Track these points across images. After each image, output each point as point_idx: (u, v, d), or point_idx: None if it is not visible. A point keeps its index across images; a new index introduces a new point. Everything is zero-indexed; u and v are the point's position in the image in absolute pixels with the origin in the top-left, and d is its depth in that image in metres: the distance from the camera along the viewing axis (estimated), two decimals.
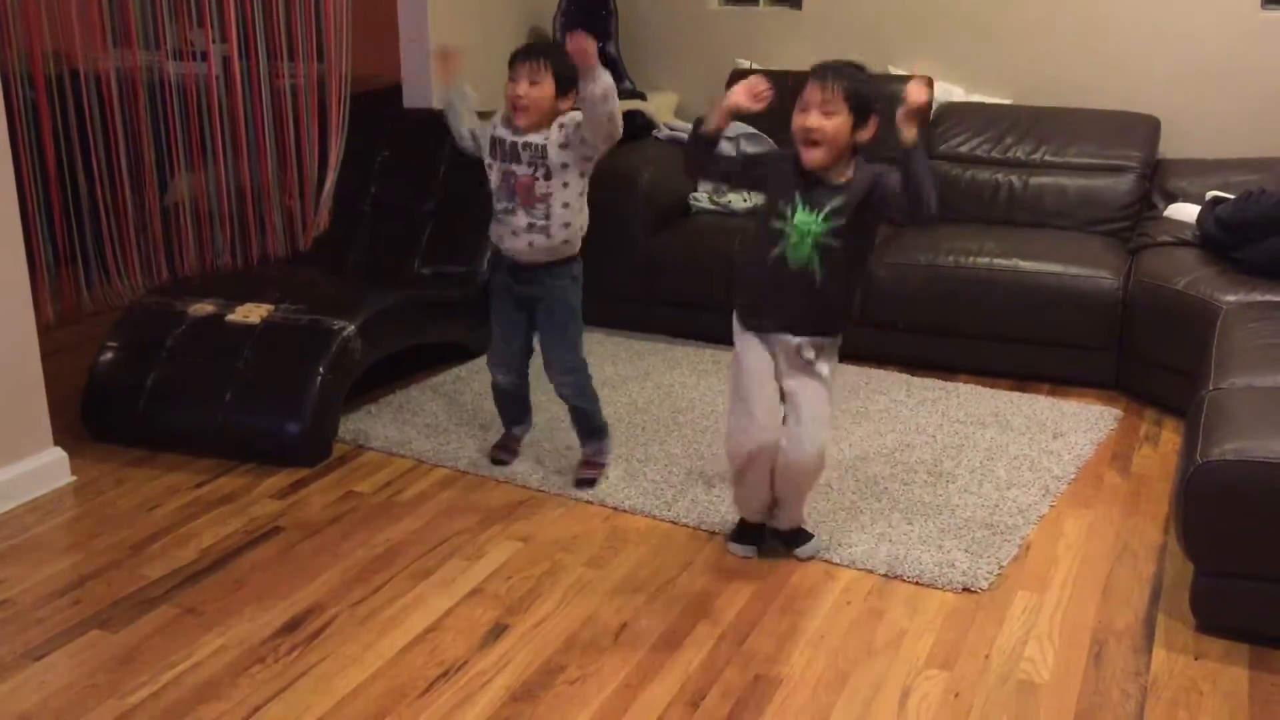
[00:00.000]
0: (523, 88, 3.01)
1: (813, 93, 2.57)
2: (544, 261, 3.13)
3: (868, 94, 2.59)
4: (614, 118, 2.94)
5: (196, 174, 4.85)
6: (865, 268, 2.80)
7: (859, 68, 2.62)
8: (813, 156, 2.59)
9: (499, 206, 3.13)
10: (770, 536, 2.95)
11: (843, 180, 2.62)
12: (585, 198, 3.13)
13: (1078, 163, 4.43)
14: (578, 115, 3.01)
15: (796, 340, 2.70)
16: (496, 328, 3.30)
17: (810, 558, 2.90)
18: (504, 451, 3.46)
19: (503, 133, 3.10)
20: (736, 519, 2.98)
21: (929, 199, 2.55)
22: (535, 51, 3.06)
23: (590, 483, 3.29)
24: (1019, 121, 4.59)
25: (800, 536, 2.93)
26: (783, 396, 2.76)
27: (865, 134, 2.61)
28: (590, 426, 3.34)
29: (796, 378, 2.73)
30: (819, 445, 2.75)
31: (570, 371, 3.24)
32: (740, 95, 2.61)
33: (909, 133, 2.49)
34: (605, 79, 2.87)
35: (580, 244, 3.17)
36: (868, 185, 2.62)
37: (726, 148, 2.88)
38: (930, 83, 2.47)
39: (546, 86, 3.01)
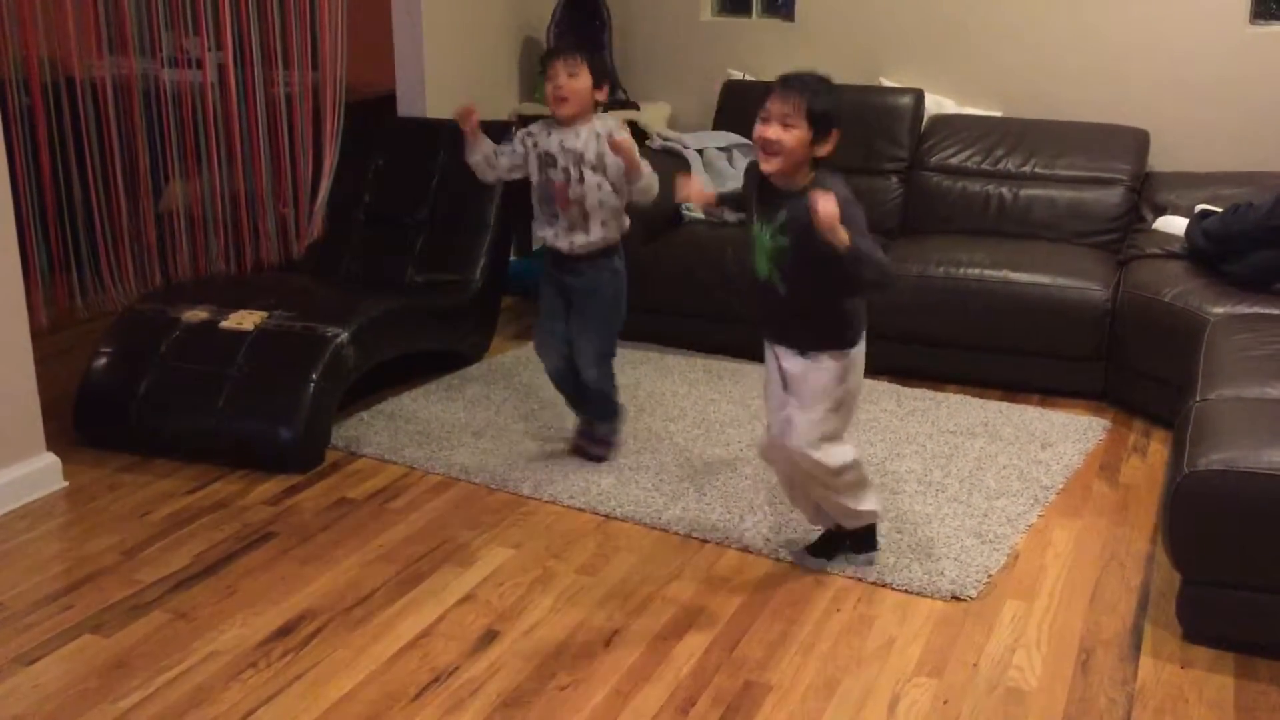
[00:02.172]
0: (562, 79, 3.19)
1: (775, 104, 2.56)
2: (584, 254, 3.29)
3: (830, 109, 2.56)
4: (650, 195, 3.26)
5: (191, 181, 4.86)
6: (840, 287, 2.66)
7: (825, 80, 2.60)
8: (769, 165, 2.59)
9: (540, 211, 3.33)
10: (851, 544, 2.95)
11: (796, 189, 2.58)
12: (615, 204, 3.30)
13: (1067, 175, 4.46)
14: (612, 125, 3.23)
15: (795, 354, 2.71)
16: (542, 313, 3.45)
17: (865, 565, 2.90)
18: (598, 445, 3.50)
19: (545, 144, 3.27)
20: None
21: (872, 283, 2.56)
22: (568, 47, 3.26)
23: (600, 458, 3.43)
24: (1009, 133, 4.62)
25: (863, 540, 2.92)
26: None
27: (825, 149, 2.58)
28: (607, 409, 3.47)
29: (801, 385, 2.72)
30: (806, 440, 2.68)
31: (602, 359, 3.40)
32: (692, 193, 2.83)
33: (838, 239, 2.42)
34: (647, 175, 3.19)
35: (619, 237, 3.34)
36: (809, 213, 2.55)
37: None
38: (831, 194, 2.45)
39: (584, 77, 3.19)
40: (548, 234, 3.32)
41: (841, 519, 2.89)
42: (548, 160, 3.25)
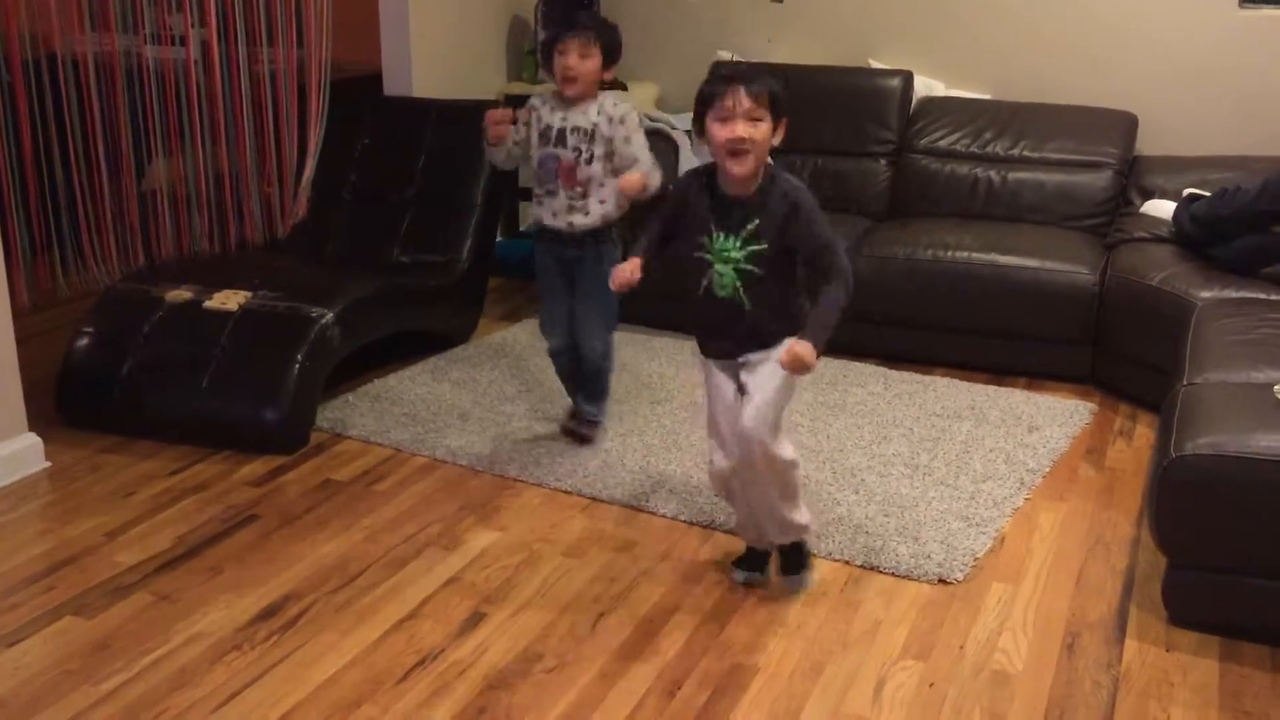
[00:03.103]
0: (573, 59, 3.18)
1: (736, 100, 2.40)
2: (585, 231, 3.28)
3: (784, 96, 2.45)
4: (652, 193, 3.19)
5: (174, 159, 4.82)
6: (801, 285, 2.58)
7: (754, 67, 2.53)
8: (743, 168, 2.43)
9: (541, 189, 3.29)
10: (779, 565, 2.79)
11: (752, 191, 2.48)
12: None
13: (1056, 158, 4.46)
14: (624, 110, 3.22)
15: (751, 357, 2.58)
16: (543, 294, 3.44)
17: (797, 590, 2.74)
18: (584, 424, 3.49)
19: (549, 118, 3.25)
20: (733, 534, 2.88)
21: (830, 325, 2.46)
22: (586, 27, 3.23)
23: (588, 440, 3.41)
24: (998, 117, 4.61)
25: (794, 558, 2.75)
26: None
27: (778, 139, 2.48)
28: (602, 388, 3.47)
29: (756, 380, 2.58)
30: (760, 423, 2.53)
31: (605, 331, 3.38)
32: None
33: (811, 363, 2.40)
34: (651, 187, 3.16)
35: (618, 216, 3.32)
36: (785, 209, 2.48)
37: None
38: (814, 352, 2.41)
39: (596, 59, 3.19)
40: (544, 214, 3.29)
41: (777, 531, 2.70)
42: (557, 137, 3.23)
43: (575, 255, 3.31)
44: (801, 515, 2.70)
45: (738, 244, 2.50)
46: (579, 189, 3.23)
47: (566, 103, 3.23)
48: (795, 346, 2.41)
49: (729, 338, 2.60)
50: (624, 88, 5.10)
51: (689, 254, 2.59)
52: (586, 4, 5.11)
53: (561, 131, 3.22)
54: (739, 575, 2.80)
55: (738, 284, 2.52)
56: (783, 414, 2.60)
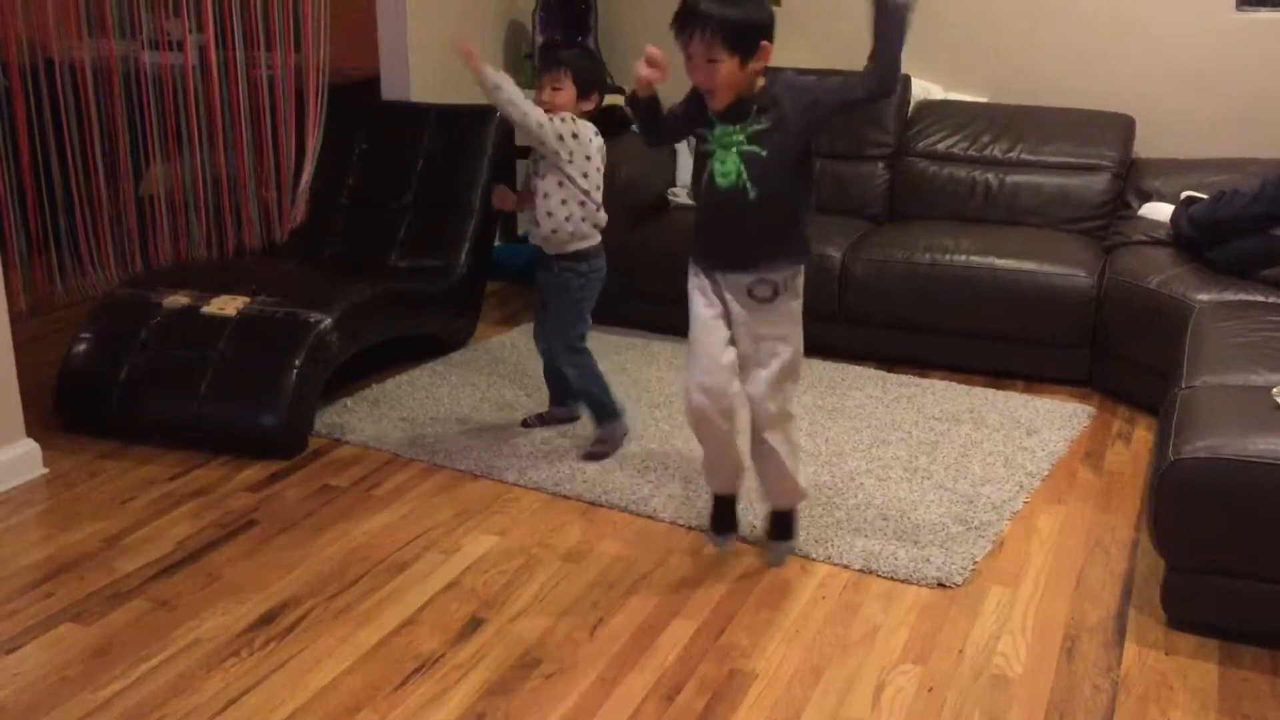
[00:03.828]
0: (546, 94, 3.23)
1: (692, 45, 2.45)
2: (554, 253, 3.32)
3: (744, 22, 2.43)
4: (507, 111, 3.17)
5: (172, 165, 4.82)
6: (809, 186, 2.61)
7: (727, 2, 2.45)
8: (717, 102, 2.51)
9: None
10: (765, 531, 2.88)
11: (754, 97, 2.51)
12: (575, 202, 3.26)
13: (1053, 161, 4.46)
14: (587, 129, 3.25)
15: (747, 279, 2.58)
16: (536, 300, 3.51)
17: (780, 563, 2.83)
18: (535, 419, 3.61)
19: None
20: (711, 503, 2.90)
21: (898, 57, 2.46)
22: (555, 60, 3.26)
23: (595, 457, 3.39)
24: (996, 120, 4.62)
25: (788, 522, 2.84)
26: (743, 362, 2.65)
27: (760, 63, 2.48)
28: (598, 411, 3.45)
29: (753, 330, 2.61)
30: (779, 402, 2.63)
31: (570, 354, 3.40)
32: (644, 71, 2.55)
33: None
34: (491, 83, 3.13)
35: (589, 244, 3.32)
36: (803, 107, 2.51)
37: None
38: None
39: (567, 91, 3.23)
40: (532, 229, 3.37)
41: (783, 496, 2.76)
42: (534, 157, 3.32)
43: (544, 280, 3.38)
44: (803, 477, 2.80)
45: (739, 129, 2.53)
46: (535, 203, 3.29)
47: None
48: None
49: (729, 242, 2.59)
50: (622, 91, 5.10)
51: (698, 154, 2.64)
52: (583, 9, 5.11)
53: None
54: (718, 540, 2.84)
55: (741, 169, 2.53)
56: (795, 376, 2.67)
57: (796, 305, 2.66)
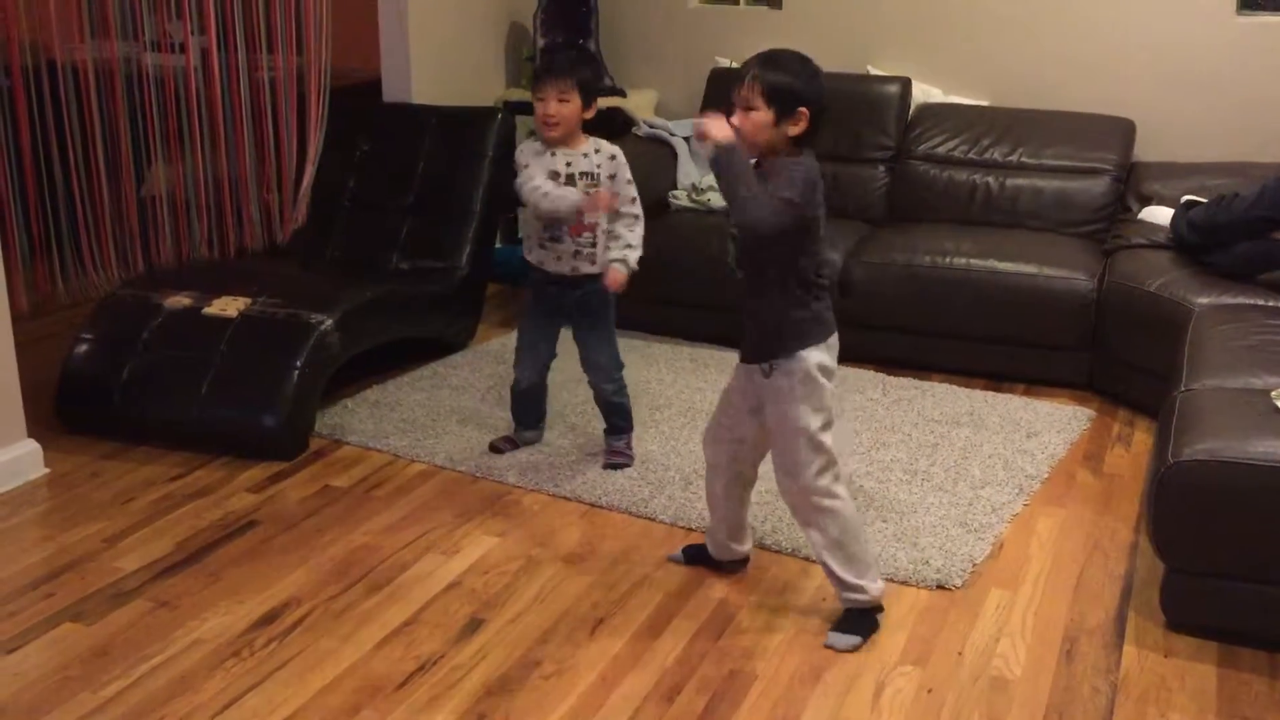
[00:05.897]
0: (552, 106, 3.12)
1: (739, 89, 2.41)
2: (588, 272, 3.23)
3: (788, 86, 2.37)
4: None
5: (174, 166, 4.83)
6: (795, 280, 2.47)
7: (790, 56, 2.41)
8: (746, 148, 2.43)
9: (545, 234, 3.20)
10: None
11: (762, 170, 2.43)
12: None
13: (1054, 165, 4.47)
14: (618, 154, 3.22)
15: (757, 368, 2.55)
16: (526, 335, 3.37)
17: (840, 648, 2.54)
18: (505, 442, 3.49)
19: (551, 164, 3.17)
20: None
21: (733, 201, 2.35)
22: (561, 70, 3.15)
23: (619, 466, 3.35)
24: (996, 123, 4.62)
25: (846, 618, 2.59)
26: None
27: (795, 129, 2.40)
28: (627, 421, 3.42)
29: (764, 411, 2.56)
30: (803, 480, 2.51)
31: (617, 369, 3.34)
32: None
33: (712, 138, 2.33)
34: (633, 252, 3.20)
35: None
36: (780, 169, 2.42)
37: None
38: (725, 119, 2.34)
39: (575, 102, 3.13)
40: (547, 260, 3.21)
41: (838, 583, 2.57)
42: (566, 182, 3.15)
43: (577, 296, 3.25)
44: (851, 575, 2.54)
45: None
46: (586, 235, 3.17)
47: (556, 146, 3.17)
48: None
49: (745, 330, 2.58)
50: (623, 94, 5.11)
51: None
52: (584, 11, 5.12)
53: (570, 177, 3.16)
54: (676, 555, 2.87)
55: (733, 249, 2.53)
56: (813, 444, 2.51)
57: (792, 381, 2.51)
